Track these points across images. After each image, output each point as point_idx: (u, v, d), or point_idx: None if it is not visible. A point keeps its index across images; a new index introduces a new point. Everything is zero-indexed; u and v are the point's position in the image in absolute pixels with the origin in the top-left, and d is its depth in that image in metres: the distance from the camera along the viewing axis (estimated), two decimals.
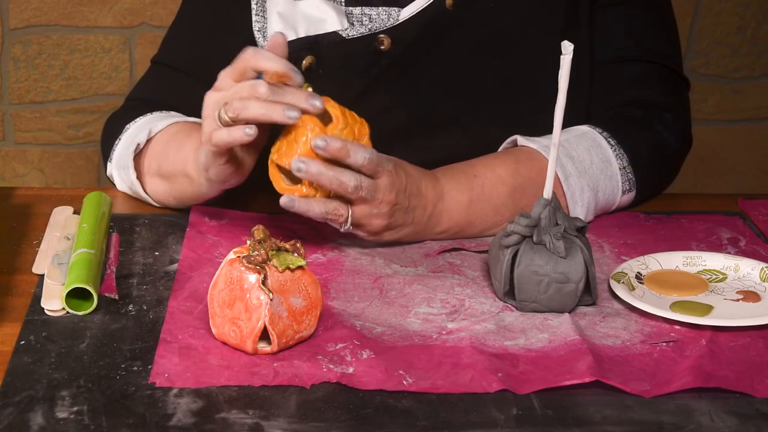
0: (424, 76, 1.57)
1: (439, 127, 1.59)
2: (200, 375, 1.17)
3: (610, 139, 1.53)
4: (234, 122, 1.32)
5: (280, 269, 1.20)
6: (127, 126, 1.55)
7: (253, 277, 1.19)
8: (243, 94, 1.32)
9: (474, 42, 1.57)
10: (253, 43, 1.56)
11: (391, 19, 1.55)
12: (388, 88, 1.57)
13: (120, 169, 1.54)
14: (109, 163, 1.57)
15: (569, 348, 1.23)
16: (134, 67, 2.33)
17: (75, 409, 1.11)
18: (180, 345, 1.21)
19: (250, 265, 1.20)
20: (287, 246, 1.22)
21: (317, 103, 1.32)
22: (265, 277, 1.19)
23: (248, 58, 1.34)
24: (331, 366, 1.19)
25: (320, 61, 1.55)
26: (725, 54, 2.49)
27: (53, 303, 1.28)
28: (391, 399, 1.14)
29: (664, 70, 1.63)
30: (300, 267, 1.21)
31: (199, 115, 1.40)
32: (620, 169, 1.53)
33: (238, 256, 1.21)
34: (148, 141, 1.52)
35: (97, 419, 1.10)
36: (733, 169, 2.57)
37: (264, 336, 1.20)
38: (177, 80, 1.61)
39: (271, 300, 1.18)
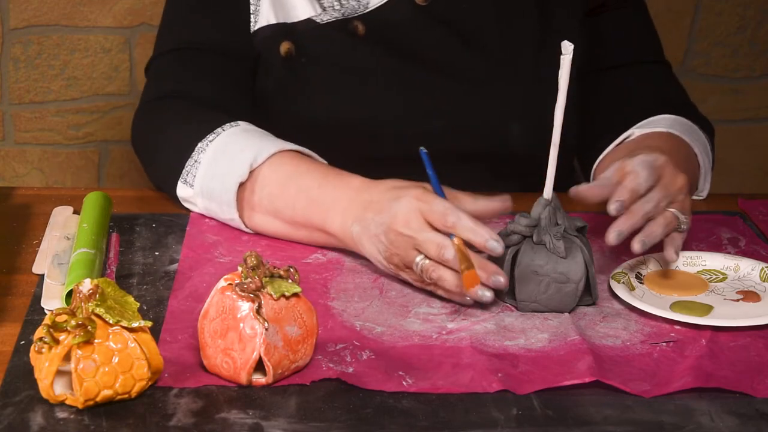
0: (411, 67, 1.60)
1: (434, 116, 1.62)
2: (200, 375, 1.17)
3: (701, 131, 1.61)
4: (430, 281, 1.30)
5: (274, 296, 1.15)
6: (200, 146, 1.45)
7: (246, 306, 1.14)
8: (431, 252, 1.28)
9: (454, 35, 1.60)
10: (247, 25, 1.59)
11: (360, 6, 1.58)
12: (379, 79, 1.60)
13: (211, 201, 1.45)
14: (184, 185, 1.47)
15: (569, 348, 1.23)
16: (134, 67, 2.33)
17: (75, 409, 1.11)
18: (180, 345, 1.21)
19: (243, 293, 1.14)
20: (281, 272, 1.17)
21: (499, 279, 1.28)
22: (260, 306, 1.14)
23: (450, 218, 1.28)
24: (331, 366, 1.19)
25: (300, 48, 1.58)
26: (725, 54, 2.49)
27: (53, 303, 1.28)
28: (391, 399, 1.14)
29: (668, 67, 1.72)
30: (295, 294, 1.16)
31: (229, 92, 1.55)
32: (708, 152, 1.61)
33: (230, 284, 1.16)
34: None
35: (97, 419, 1.10)
36: (733, 169, 2.56)
37: (259, 366, 1.15)
38: (197, 60, 1.59)
39: (266, 329, 1.13)
